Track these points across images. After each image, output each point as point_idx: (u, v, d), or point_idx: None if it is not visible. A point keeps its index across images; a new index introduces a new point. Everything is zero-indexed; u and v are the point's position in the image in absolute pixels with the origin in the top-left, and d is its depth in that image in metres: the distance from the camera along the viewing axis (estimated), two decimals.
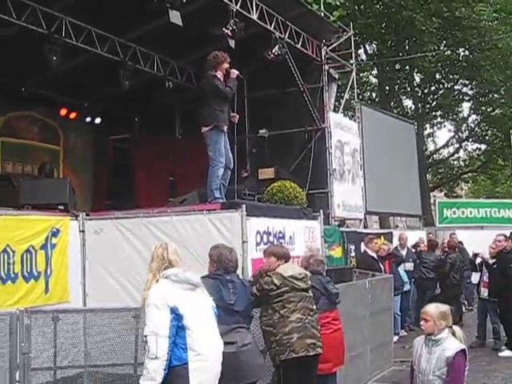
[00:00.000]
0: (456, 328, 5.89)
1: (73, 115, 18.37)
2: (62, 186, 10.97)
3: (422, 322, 5.96)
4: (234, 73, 10.29)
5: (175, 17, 11.85)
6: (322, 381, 7.41)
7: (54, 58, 13.38)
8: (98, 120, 19.00)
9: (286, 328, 6.69)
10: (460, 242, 17.70)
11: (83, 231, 9.39)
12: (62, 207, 10.37)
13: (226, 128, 10.23)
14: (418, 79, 34.84)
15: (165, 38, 14.26)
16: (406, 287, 14.46)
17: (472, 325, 13.84)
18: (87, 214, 9.75)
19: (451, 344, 5.70)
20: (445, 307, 5.96)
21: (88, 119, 18.85)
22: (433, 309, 5.90)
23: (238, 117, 10.68)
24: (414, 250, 15.76)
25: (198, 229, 9.01)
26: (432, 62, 30.32)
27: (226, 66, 10.25)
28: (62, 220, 9.16)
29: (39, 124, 17.99)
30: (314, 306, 7.04)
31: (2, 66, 14.14)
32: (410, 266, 14.97)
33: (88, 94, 17.71)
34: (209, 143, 10.09)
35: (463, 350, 5.67)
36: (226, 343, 6.01)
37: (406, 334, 14.10)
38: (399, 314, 13.72)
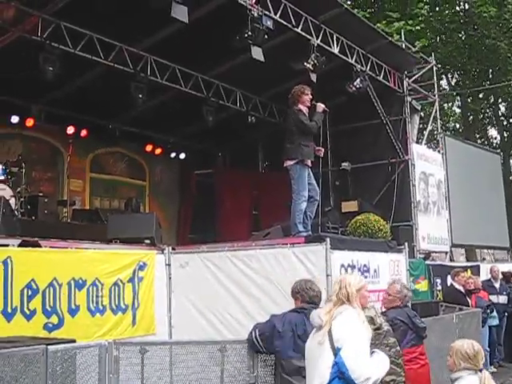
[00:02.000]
0: (485, 374, 5.38)
1: (158, 151, 18.79)
2: (148, 220, 11.21)
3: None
4: (321, 106, 10.29)
5: (257, 53, 12.00)
6: None
7: (140, 95, 13.78)
8: (182, 155, 19.35)
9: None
10: None
11: (169, 265, 9.49)
12: (148, 241, 10.59)
13: (310, 162, 10.24)
14: (502, 108, 34.17)
15: (247, 74, 14.44)
16: (495, 322, 14.05)
17: None
18: (173, 248, 9.86)
19: None
20: (473, 348, 5.46)
21: (173, 154, 19.23)
22: (458, 345, 5.52)
23: (323, 151, 10.67)
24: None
25: (283, 262, 8.99)
26: None
27: (308, 97, 10.25)
28: (148, 254, 9.30)
29: (126, 160, 18.51)
30: (392, 340, 6.76)
31: (90, 104, 14.67)
32: (503, 299, 14.56)
33: (173, 129, 18.07)
34: (293, 177, 10.11)
35: None
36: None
37: (495, 370, 13.68)
38: (488, 349, 13.34)
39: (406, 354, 7.16)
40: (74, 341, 6.03)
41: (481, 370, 5.36)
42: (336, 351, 5.01)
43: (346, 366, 4.90)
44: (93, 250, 8.76)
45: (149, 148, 18.56)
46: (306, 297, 6.46)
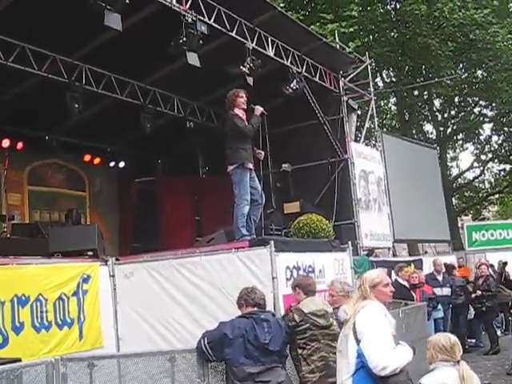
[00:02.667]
0: (463, 365, 5.52)
1: (97, 160, 18.58)
2: (90, 232, 11.07)
3: None
4: (259, 109, 10.28)
5: (193, 58, 11.97)
6: None
7: (76, 105, 13.60)
8: (121, 164, 19.16)
9: (310, 366, 6.67)
10: (491, 265, 17.53)
11: (113, 276, 9.40)
12: (91, 253, 10.46)
13: (251, 165, 10.24)
14: (437, 104, 34.84)
15: (183, 80, 14.38)
16: (440, 314, 14.28)
17: (508, 348, 13.64)
18: (117, 259, 9.77)
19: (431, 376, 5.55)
20: (449, 340, 5.61)
21: (112, 164, 19.03)
22: (435, 339, 5.71)
23: (263, 154, 10.68)
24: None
25: (228, 267, 8.98)
26: (450, 86, 30.28)
27: (242, 100, 10.26)
28: (92, 266, 9.19)
29: (64, 171, 18.22)
30: (336, 344, 6.95)
31: (25, 116, 14.40)
32: (447, 291, 14.81)
33: (111, 138, 17.88)
34: (234, 182, 10.11)
35: None
36: (261, 382, 6.02)
37: None
38: None
39: None
40: (19, 360, 5.91)
41: (458, 362, 5.51)
42: (358, 343, 5.27)
43: (365, 357, 5.16)
44: (35, 265, 8.58)
45: (87, 158, 18.32)
46: (250, 300, 6.49)
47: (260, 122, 10.33)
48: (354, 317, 5.37)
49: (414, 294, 12.82)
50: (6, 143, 15.59)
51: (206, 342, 6.25)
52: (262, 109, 10.32)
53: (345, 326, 5.54)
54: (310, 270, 9.86)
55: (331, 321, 7.00)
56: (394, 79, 33.12)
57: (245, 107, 10.33)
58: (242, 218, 10.03)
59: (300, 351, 6.72)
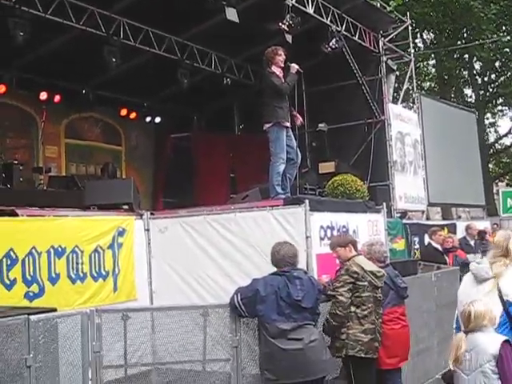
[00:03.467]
0: None
1: (133, 115, 18.62)
2: (126, 186, 11.12)
3: None
4: (294, 67, 10.18)
5: (231, 14, 11.91)
6: (389, 375, 7.40)
7: (114, 59, 13.63)
8: (157, 119, 19.18)
9: (363, 327, 6.70)
10: None
11: (148, 230, 9.48)
12: (126, 207, 10.53)
13: (287, 124, 10.18)
14: (477, 67, 34.21)
15: (222, 36, 14.33)
16: None
17: None
18: (151, 213, 9.84)
19: None
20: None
21: (148, 119, 19.05)
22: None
23: (300, 119, 10.60)
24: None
25: (262, 225, 8.99)
26: (491, 49, 29.71)
27: (281, 58, 10.14)
28: (127, 220, 9.27)
29: (100, 125, 18.33)
30: (381, 310, 7.03)
31: (63, 70, 14.45)
32: (478, 257, 14.66)
33: (147, 93, 17.91)
34: (271, 140, 10.06)
35: None
36: (293, 339, 6.06)
37: None
38: None
39: (387, 313, 7.26)
40: (55, 310, 5.99)
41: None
42: (507, 304, 5.53)
43: None
44: (71, 217, 8.69)
45: (123, 112, 18.35)
46: (274, 260, 6.49)
47: (296, 80, 10.23)
48: (499, 276, 5.61)
49: (447, 258, 12.73)
50: (43, 96, 15.68)
51: (239, 297, 6.27)
52: (297, 67, 10.21)
53: (482, 284, 5.75)
54: (344, 230, 9.83)
55: (382, 284, 7.03)
56: (434, 41, 32.56)
57: (282, 65, 10.23)
58: (278, 176, 10.01)
59: (354, 309, 6.73)
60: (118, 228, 8.97)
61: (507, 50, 30.82)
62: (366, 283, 6.76)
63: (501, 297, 5.51)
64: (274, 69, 10.14)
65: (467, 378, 5.39)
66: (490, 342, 5.36)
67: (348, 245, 7.18)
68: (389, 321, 7.30)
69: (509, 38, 30.08)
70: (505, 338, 5.40)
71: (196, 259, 9.27)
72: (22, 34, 11.67)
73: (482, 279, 5.78)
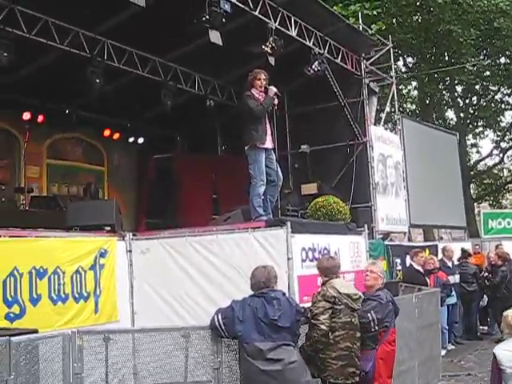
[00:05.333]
0: None
1: (116, 136, 18.64)
2: (108, 207, 11.11)
3: None
4: (272, 90, 10.30)
5: (215, 36, 11.95)
6: None
7: (97, 80, 13.59)
8: (140, 140, 19.23)
9: (334, 353, 6.69)
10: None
11: (130, 251, 9.50)
12: (108, 228, 10.53)
13: (267, 145, 10.23)
14: (459, 89, 34.54)
15: (205, 58, 14.38)
16: (453, 300, 14.27)
17: None
18: (134, 234, 9.86)
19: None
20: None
21: (131, 139, 19.09)
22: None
23: (275, 90, 10.38)
24: (457, 263, 15.51)
25: (243, 246, 9.05)
26: (472, 73, 30.03)
27: (260, 82, 10.27)
28: (109, 241, 9.29)
29: (83, 145, 18.32)
30: (359, 334, 6.96)
31: (46, 90, 14.46)
32: (457, 278, 14.79)
33: (131, 114, 17.93)
34: (249, 162, 10.17)
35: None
36: (272, 360, 6.08)
37: (453, 347, 13.95)
38: (446, 328, 13.58)
39: (392, 333, 7.51)
40: (36, 331, 6.00)
41: None
42: None
43: None
44: (53, 238, 8.69)
45: (107, 133, 18.37)
46: (250, 285, 6.55)
47: (273, 103, 10.32)
48: None
49: (428, 279, 12.82)
50: (26, 116, 15.66)
51: (220, 317, 6.31)
52: (275, 90, 10.31)
53: None
54: (326, 251, 9.90)
55: (359, 306, 7.03)
56: (415, 64, 32.85)
57: (263, 89, 10.33)
58: (258, 197, 10.07)
59: (325, 332, 6.72)
60: (99, 249, 8.99)
61: (487, 73, 31.18)
62: (342, 306, 6.76)
63: None
64: (254, 91, 10.25)
65: None
66: None
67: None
68: (393, 341, 7.49)
69: (489, 61, 30.45)
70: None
71: (177, 280, 9.29)
72: (5, 54, 11.66)
73: None
